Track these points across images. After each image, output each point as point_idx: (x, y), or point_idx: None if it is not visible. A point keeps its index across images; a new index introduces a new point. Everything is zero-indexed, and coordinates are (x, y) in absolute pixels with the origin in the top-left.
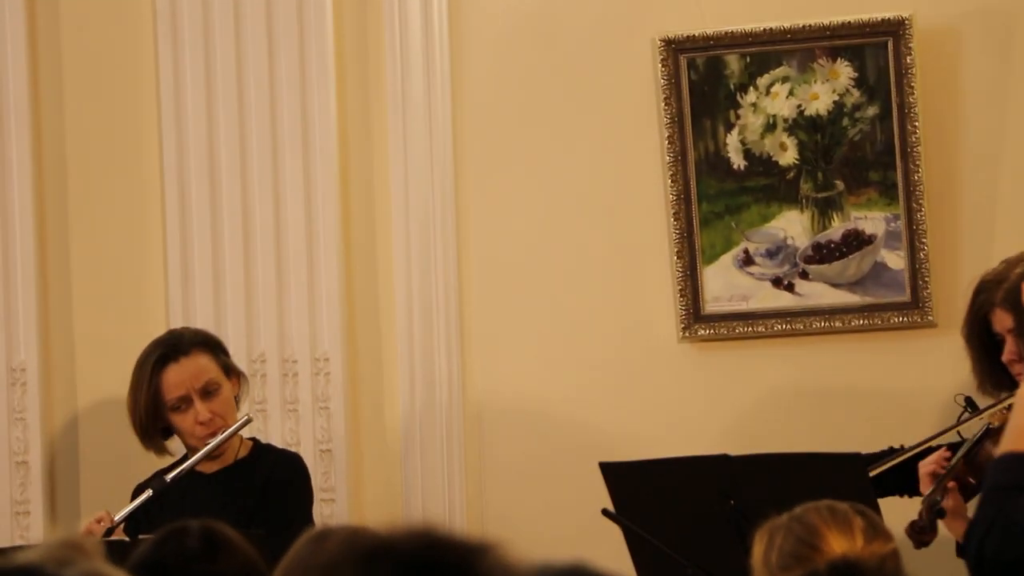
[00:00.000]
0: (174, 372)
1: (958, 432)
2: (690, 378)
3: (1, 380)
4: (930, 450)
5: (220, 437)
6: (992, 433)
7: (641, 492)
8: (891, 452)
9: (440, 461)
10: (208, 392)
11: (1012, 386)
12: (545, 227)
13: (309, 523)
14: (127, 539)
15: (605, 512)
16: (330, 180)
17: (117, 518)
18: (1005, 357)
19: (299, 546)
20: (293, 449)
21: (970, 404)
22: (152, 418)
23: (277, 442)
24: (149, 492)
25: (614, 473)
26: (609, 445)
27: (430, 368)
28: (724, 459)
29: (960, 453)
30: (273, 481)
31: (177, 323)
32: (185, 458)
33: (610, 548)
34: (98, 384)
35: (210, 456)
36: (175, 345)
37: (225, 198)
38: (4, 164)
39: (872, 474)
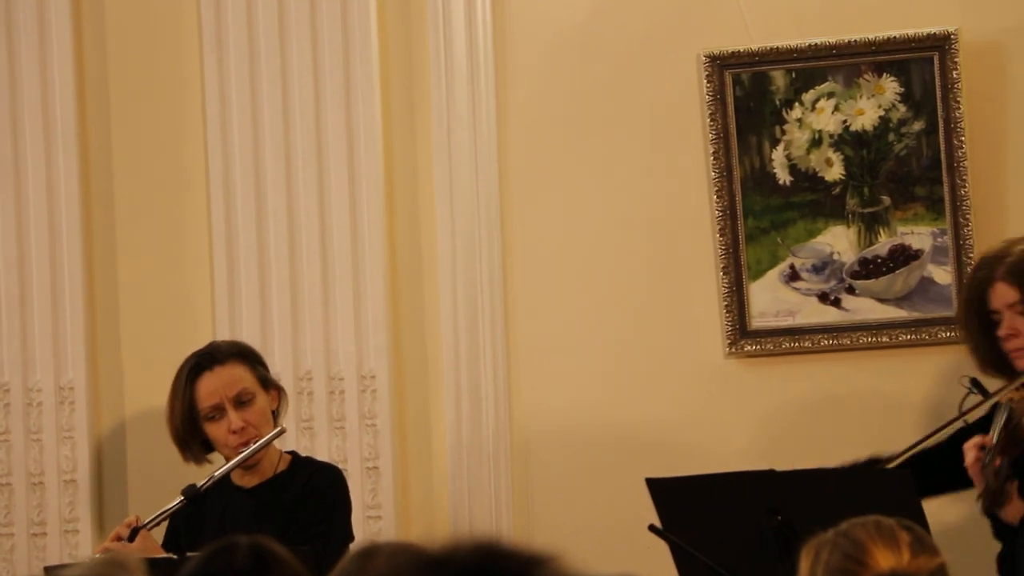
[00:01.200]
0: (208, 381)
1: (964, 420)
2: (737, 394)
3: (50, 398)
4: (949, 443)
5: (253, 447)
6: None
7: (688, 508)
8: (873, 460)
9: (487, 477)
10: (242, 401)
11: (1012, 368)
12: (591, 243)
13: (347, 534)
14: (174, 556)
15: (652, 528)
16: (375, 197)
17: (146, 520)
18: (1002, 332)
19: (346, 562)
20: (340, 466)
21: (976, 385)
22: (188, 428)
23: (324, 459)
24: (181, 499)
25: (661, 489)
26: (656, 461)
27: (476, 385)
28: (771, 475)
29: (998, 433)
30: (311, 491)
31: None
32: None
33: (657, 564)
34: (145, 402)
35: (248, 469)
36: (210, 355)
37: (271, 216)
38: (52, 183)
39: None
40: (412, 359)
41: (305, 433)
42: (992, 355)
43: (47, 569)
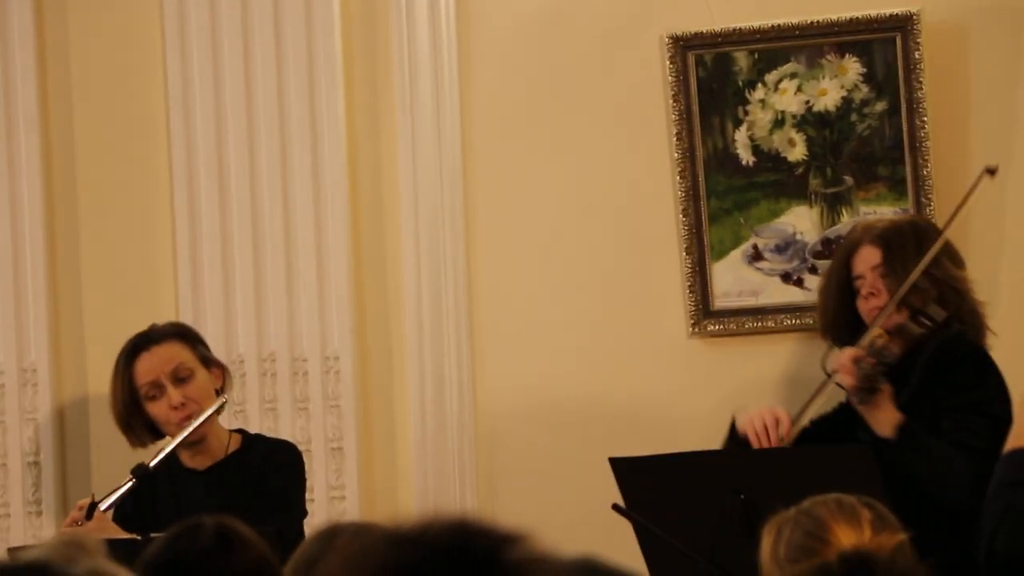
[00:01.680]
0: (144, 360)
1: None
2: (700, 373)
3: (12, 381)
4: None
5: (196, 421)
6: (900, 332)
7: (651, 487)
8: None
9: (451, 458)
10: (180, 378)
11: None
12: (554, 225)
13: (304, 510)
14: (137, 537)
15: (616, 507)
16: (339, 180)
17: (100, 501)
18: (864, 291)
19: (309, 542)
20: (303, 447)
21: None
22: (130, 410)
23: (287, 439)
24: (131, 478)
25: (624, 468)
26: (619, 440)
27: (440, 365)
28: (734, 454)
29: (869, 352)
30: (272, 469)
31: (187, 323)
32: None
33: (621, 543)
34: (108, 383)
35: (194, 448)
36: (146, 336)
37: (234, 198)
38: (13, 164)
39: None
40: (376, 340)
41: (269, 414)
42: (842, 320)
43: (10, 550)
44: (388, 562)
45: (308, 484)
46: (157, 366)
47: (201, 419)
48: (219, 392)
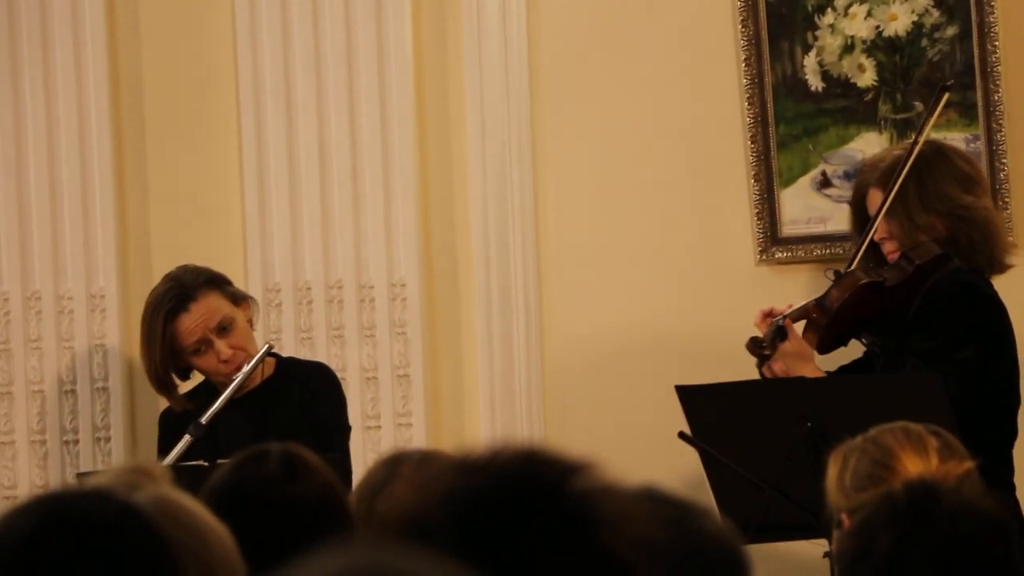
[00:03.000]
0: (186, 320)
1: None
2: (768, 300)
3: (81, 306)
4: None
5: (245, 370)
6: (837, 282)
7: (717, 415)
8: None
9: (517, 385)
10: (224, 328)
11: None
12: (622, 151)
13: (345, 431)
14: (205, 463)
15: (682, 435)
16: (406, 106)
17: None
18: (877, 236)
19: (374, 469)
20: (370, 374)
21: (837, 274)
22: (168, 371)
23: (354, 368)
24: (187, 438)
25: (690, 396)
26: (686, 369)
27: (507, 293)
28: (801, 382)
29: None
30: (313, 396)
31: (255, 250)
32: (209, 391)
33: (687, 471)
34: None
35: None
36: (181, 294)
37: (301, 126)
38: (82, 93)
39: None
40: (443, 268)
41: (336, 341)
42: (875, 260)
43: (79, 476)
44: (456, 489)
45: (375, 411)
46: (202, 323)
47: (248, 370)
48: (251, 323)
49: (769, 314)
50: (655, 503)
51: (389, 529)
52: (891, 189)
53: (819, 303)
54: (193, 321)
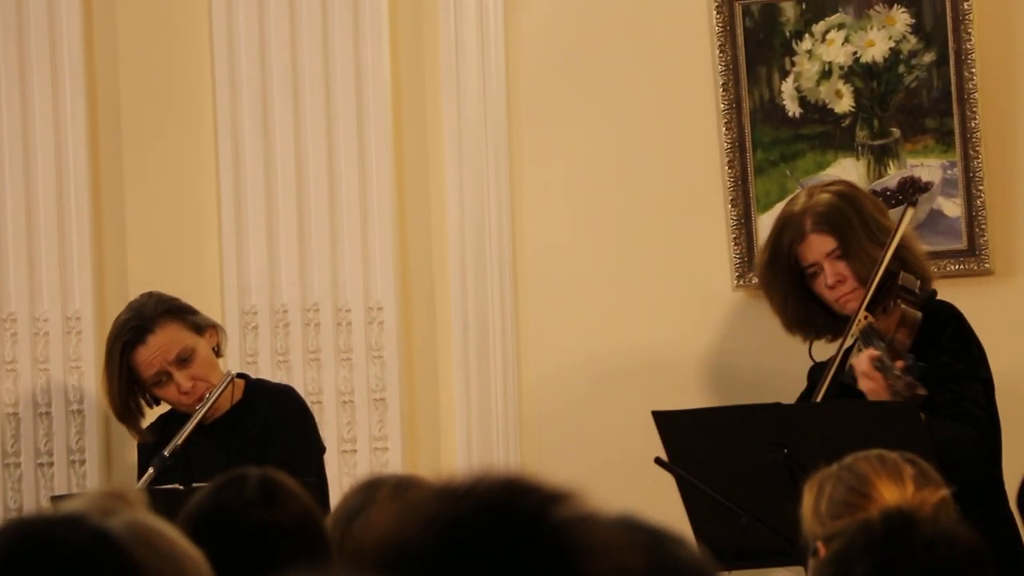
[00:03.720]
0: (143, 353)
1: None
2: (745, 326)
3: (57, 329)
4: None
5: (207, 401)
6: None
7: (694, 441)
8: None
9: (494, 409)
10: (184, 360)
11: (834, 326)
12: (599, 176)
13: (318, 453)
14: (180, 487)
15: (658, 461)
16: (383, 129)
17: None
18: (829, 281)
19: (350, 494)
20: (346, 397)
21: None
22: (127, 403)
23: (331, 392)
24: (151, 471)
25: (667, 422)
26: (663, 393)
27: (484, 317)
28: (778, 408)
29: (881, 347)
30: (270, 423)
31: (232, 273)
32: (181, 419)
33: (664, 497)
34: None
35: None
36: (138, 326)
37: (278, 147)
38: (58, 113)
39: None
40: (419, 291)
41: (312, 365)
42: (803, 312)
43: (53, 499)
44: (436, 516)
45: (351, 435)
46: (159, 357)
47: (210, 400)
48: (217, 350)
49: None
50: (630, 531)
51: (367, 555)
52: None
53: (892, 348)
54: (150, 354)
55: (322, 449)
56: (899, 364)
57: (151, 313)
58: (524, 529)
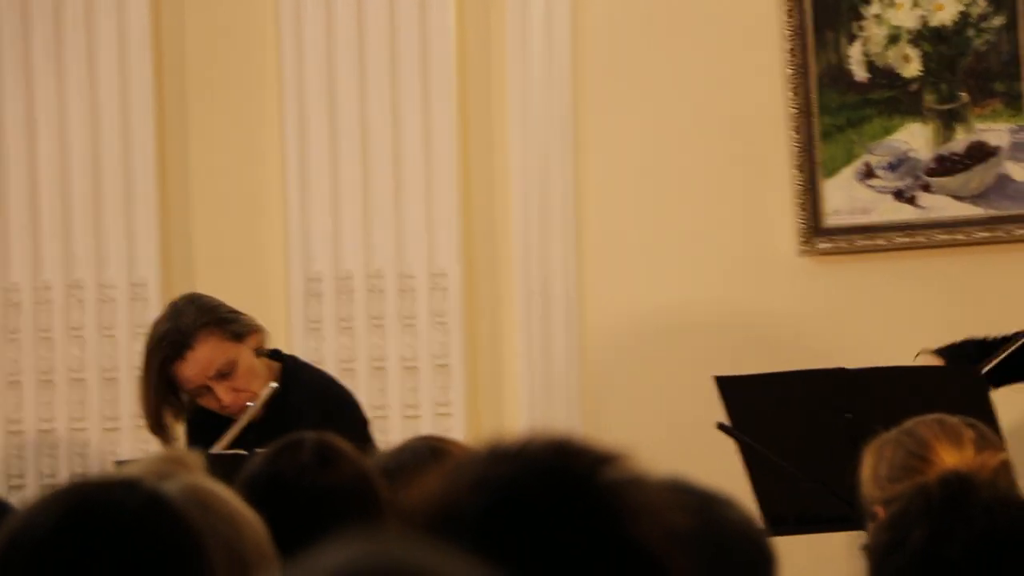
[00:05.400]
0: (183, 369)
1: None
2: (810, 291)
3: (123, 295)
4: None
5: (249, 412)
6: None
7: (756, 406)
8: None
9: (557, 375)
10: (224, 374)
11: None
12: (665, 140)
13: (366, 424)
14: (243, 452)
15: (720, 426)
16: (447, 94)
17: None
18: None
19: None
20: (409, 364)
21: None
22: (161, 417)
23: (394, 358)
24: None
25: (729, 386)
26: (727, 358)
27: (547, 282)
28: (840, 372)
29: None
30: (312, 423)
31: (296, 239)
32: (213, 420)
33: (725, 462)
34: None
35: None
36: (177, 341)
37: (343, 114)
38: (125, 78)
39: (988, 368)
40: (483, 257)
41: (376, 331)
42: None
43: (118, 463)
44: (485, 476)
45: (415, 401)
46: (199, 373)
47: (253, 409)
48: (259, 352)
49: None
50: (680, 493)
51: (416, 517)
52: None
53: None
54: (190, 370)
55: (366, 420)
56: None
57: (190, 326)
58: (573, 490)
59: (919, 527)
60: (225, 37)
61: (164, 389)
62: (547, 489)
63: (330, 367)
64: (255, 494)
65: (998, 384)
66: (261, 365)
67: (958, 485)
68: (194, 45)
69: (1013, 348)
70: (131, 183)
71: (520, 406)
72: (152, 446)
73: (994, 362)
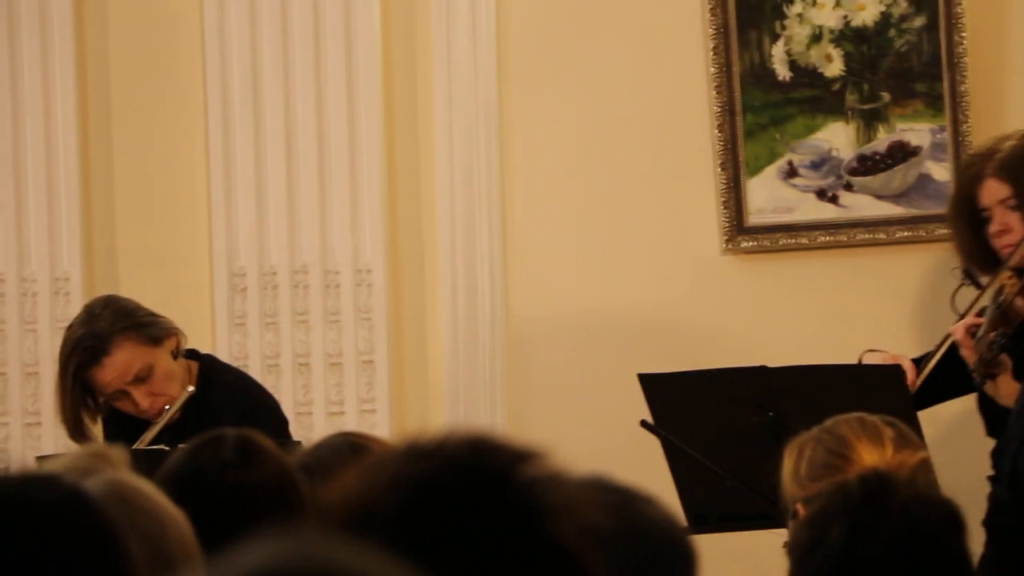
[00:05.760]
0: (100, 375)
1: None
2: (732, 290)
3: (45, 289)
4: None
5: (165, 415)
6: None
7: (680, 403)
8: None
9: (482, 371)
10: (141, 378)
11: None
12: (589, 138)
13: (285, 424)
14: (165, 448)
15: (644, 424)
16: (373, 91)
17: None
18: (993, 228)
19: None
20: (334, 360)
21: (968, 275)
22: (80, 420)
23: (319, 354)
24: None
25: (653, 384)
26: (650, 356)
27: (472, 279)
28: (762, 370)
29: (989, 311)
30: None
31: (221, 235)
32: (130, 421)
33: (649, 459)
34: (140, 294)
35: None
36: (94, 347)
37: (267, 109)
38: (47, 73)
39: (919, 384)
40: (408, 253)
41: (300, 327)
42: (980, 253)
43: (38, 459)
44: (402, 474)
45: (339, 397)
46: (116, 379)
47: (168, 414)
48: (175, 353)
49: (970, 325)
50: (601, 491)
51: (333, 515)
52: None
53: (1004, 314)
54: (107, 376)
55: (285, 421)
56: (991, 335)
57: (106, 332)
58: (490, 488)
59: (838, 525)
60: (149, 33)
61: (81, 394)
62: (464, 487)
63: (254, 363)
64: (175, 490)
65: (927, 403)
66: (179, 367)
67: (876, 483)
68: (118, 41)
69: (939, 354)
70: (54, 177)
71: (445, 403)
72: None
73: (924, 374)
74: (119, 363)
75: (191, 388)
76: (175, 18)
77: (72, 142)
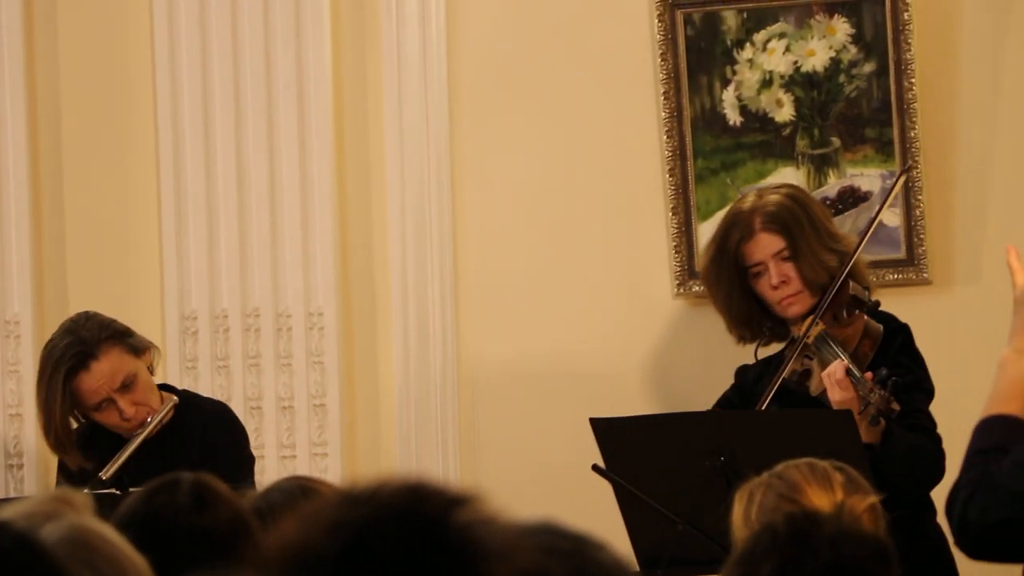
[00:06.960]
0: (87, 380)
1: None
2: (684, 334)
3: None
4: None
5: (148, 426)
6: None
7: (632, 448)
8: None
9: (434, 415)
10: (126, 386)
11: (781, 331)
12: (540, 183)
13: (250, 463)
14: (116, 492)
15: (595, 468)
16: (325, 135)
17: None
18: (773, 281)
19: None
20: (286, 403)
21: (749, 339)
22: (68, 431)
23: (270, 397)
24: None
25: (604, 429)
26: (603, 400)
27: (424, 323)
28: (715, 415)
29: (843, 355)
30: (207, 444)
31: (172, 278)
32: (98, 437)
33: (601, 504)
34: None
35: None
36: (82, 352)
37: (220, 152)
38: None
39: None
40: (360, 297)
41: (252, 370)
42: (747, 310)
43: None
44: (340, 519)
45: (290, 441)
46: (104, 384)
47: (151, 425)
48: (152, 369)
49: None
50: (551, 536)
51: (272, 560)
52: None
53: (855, 359)
54: (96, 381)
55: (252, 459)
56: (868, 376)
57: (94, 338)
58: (427, 533)
59: (767, 562)
60: (100, 75)
61: (69, 402)
62: (400, 531)
63: None
64: (131, 534)
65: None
66: (154, 383)
67: (803, 520)
68: (68, 83)
69: (785, 368)
70: (4, 218)
71: (396, 446)
72: (25, 488)
73: (768, 396)
74: (106, 368)
75: (175, 398)
76: (126, 61)
77: (23, 182)
